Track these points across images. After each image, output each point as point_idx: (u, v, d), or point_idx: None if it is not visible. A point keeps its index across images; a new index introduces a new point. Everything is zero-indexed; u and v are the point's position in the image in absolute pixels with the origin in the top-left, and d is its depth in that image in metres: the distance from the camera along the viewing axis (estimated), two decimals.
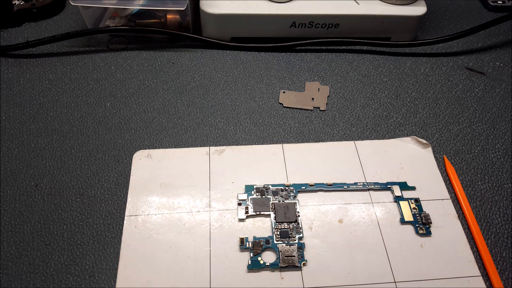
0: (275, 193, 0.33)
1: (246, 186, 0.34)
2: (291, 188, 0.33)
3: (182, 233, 0.31)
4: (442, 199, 0.33)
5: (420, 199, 0.33)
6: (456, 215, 0.32)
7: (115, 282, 0.29)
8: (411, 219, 0.32)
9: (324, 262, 0.30)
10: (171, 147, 0.36)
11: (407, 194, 0.34)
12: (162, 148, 0.36)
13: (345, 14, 0.44)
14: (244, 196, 0.33)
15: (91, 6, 0.44)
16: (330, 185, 0.34)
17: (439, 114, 0.40)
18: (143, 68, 0.43)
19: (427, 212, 0.32)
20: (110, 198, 0.33)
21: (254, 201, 0.33)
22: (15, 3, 0.47)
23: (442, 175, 0.35)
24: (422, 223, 0.32)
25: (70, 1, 0.41)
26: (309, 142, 0.37)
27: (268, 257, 0.30)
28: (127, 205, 0.32)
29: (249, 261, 0.29)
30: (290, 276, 0.29)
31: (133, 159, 0.35)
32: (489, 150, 0.37)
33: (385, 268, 0.30)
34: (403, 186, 0.34)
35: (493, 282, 0.29)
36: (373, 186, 0.34)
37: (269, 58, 0.45)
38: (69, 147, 0.36)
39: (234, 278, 0.29)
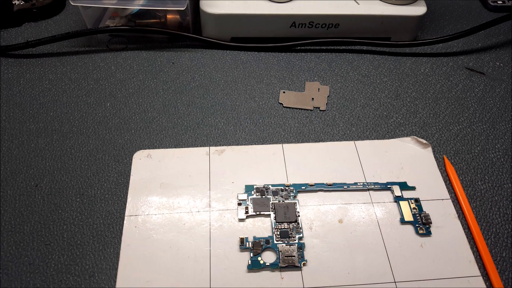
0: (275, 193, 0.33)
1: (246, 186, 0.34)
2: (291, 188, 0.33)
3: (182, 233, 0.31)
4: (442, 199, 0.33)
5: (420, 199, 0.33)
6: (456, 215, 0.32)
7: (115, 282, 0.29)
8: (411, 219, 0.32)
9: (324, 262, 0.30)
10: (171, 147, 0.36)
11: (407, 194, 0.34)
12: (162, 148, 0.36)
13: (345, 14, 0.44)
14: (244, 196, 0.33)
15: (91, 6, 0.44)
16: (330, 185, 0.34)
17: (439, 114, 0.40)
18: (143, 68, 0.43)
19: (427, 212, 0.32)
20: (110, 198, 0.33)
21: (254, 201, 0.33)
22: (15, 3, 0.47)
23: (442, 175, 0.35)
24: (422, 223, 0.32)
25: (70, 1, 0.41)
26: (309, 142, 0.37)
27: (268, 257, 0.30)
28: (127, 205, 0.32)
29: (249, 261, 0.29)
30: (290, 276, 0.29)
31: (133, 159, 0.35)
32: (489, 150, 0.37)
33: (385, 268, 0.30)
34: (403, 186, 0.34)
35: (493, 282, 0.29)
36: (373, 186, 0.34)
37: (269, 58, 0.45)
38: (69, 147, 0.36)
39: (234, 278, 0.29)
